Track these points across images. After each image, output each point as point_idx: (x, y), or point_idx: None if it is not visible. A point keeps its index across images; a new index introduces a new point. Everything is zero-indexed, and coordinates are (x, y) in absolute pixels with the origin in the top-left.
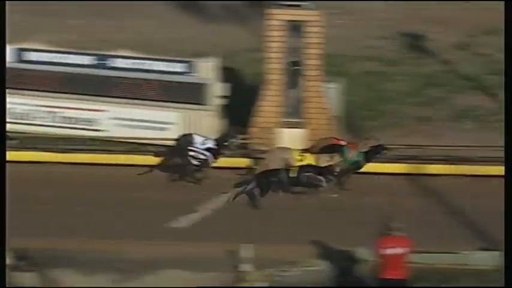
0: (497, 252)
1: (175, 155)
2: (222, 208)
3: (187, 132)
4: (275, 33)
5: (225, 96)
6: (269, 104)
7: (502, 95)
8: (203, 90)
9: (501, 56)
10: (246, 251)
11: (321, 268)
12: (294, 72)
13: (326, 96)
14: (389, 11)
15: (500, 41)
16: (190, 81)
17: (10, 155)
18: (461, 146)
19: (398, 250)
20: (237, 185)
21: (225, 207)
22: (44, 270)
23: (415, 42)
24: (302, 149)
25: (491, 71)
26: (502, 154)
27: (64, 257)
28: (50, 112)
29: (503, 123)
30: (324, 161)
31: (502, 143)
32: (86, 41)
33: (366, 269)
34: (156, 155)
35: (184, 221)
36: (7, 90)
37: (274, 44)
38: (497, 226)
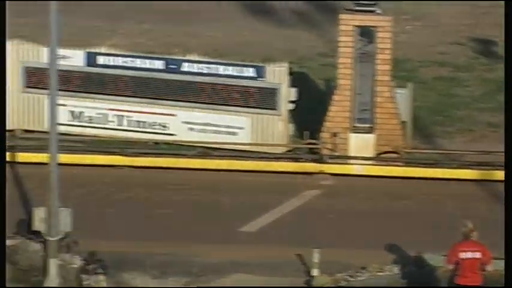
0: None
1: None
2: (293, 212)
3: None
4: (346, 38)
5: (295, 101)
6: (339, 109)
7: None
8: (273, 95)
9: None
10: (316, 255)
11: (391, 273)
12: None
13: (396, 101)
14: (459, 16)
15: None
16: (261, 86)
17: (79, 159)
18: None
19: (475, 255)
20: None
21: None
22: (114, 273)
23: (486, 48)
24: None
25: None
26: None
27: (134, 260)
28: (120, 116)
29: None
30: None
31: None
32: (156, 45)
33: (439, 275)
34: None
35: (255, 225)
36: (77, 94)
37: (345, 49)
38: None
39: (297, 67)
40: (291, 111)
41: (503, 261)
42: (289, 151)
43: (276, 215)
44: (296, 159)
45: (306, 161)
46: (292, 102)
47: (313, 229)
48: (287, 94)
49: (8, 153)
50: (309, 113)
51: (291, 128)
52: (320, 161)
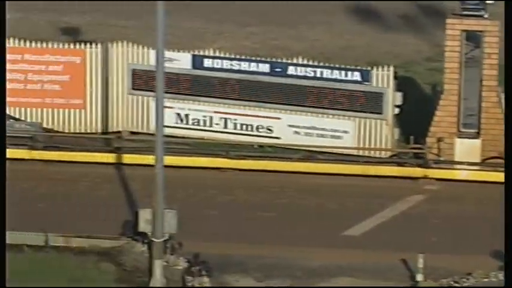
0: None
1: None
2: (397, 217)
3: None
4: (453, 43)
5: (400, 106)
6: (445, 114)
7: None
8: (379, 99)
9: None
10: (421, 260)
11: (496, 280)
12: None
13: (502, 107)
14: None
15: None
16: (366, 90)
17: (184, 161)
18: None
19: None
20: None
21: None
22: (217, 275)
23: None
24: None
25: None
26: None
27: (238, 262)
28: (225, 119)
29: None
30: None
31: None
32: (260, 48)
33: None
34: None
35: (358, 229)
36: (184, 97)
37: (452, 54)
38: None
39: (402, 71)
40: (396, 115)
41: None
42: (393, 155)
43: (379, 219)
44: (401, 164)
45: (411, 165)
46: (397, 106)
47: (418, 234)
48: (393, 98)
49: (113, 155)
50: (414, 117)
51: (396, 132)
52: (425, 165)
